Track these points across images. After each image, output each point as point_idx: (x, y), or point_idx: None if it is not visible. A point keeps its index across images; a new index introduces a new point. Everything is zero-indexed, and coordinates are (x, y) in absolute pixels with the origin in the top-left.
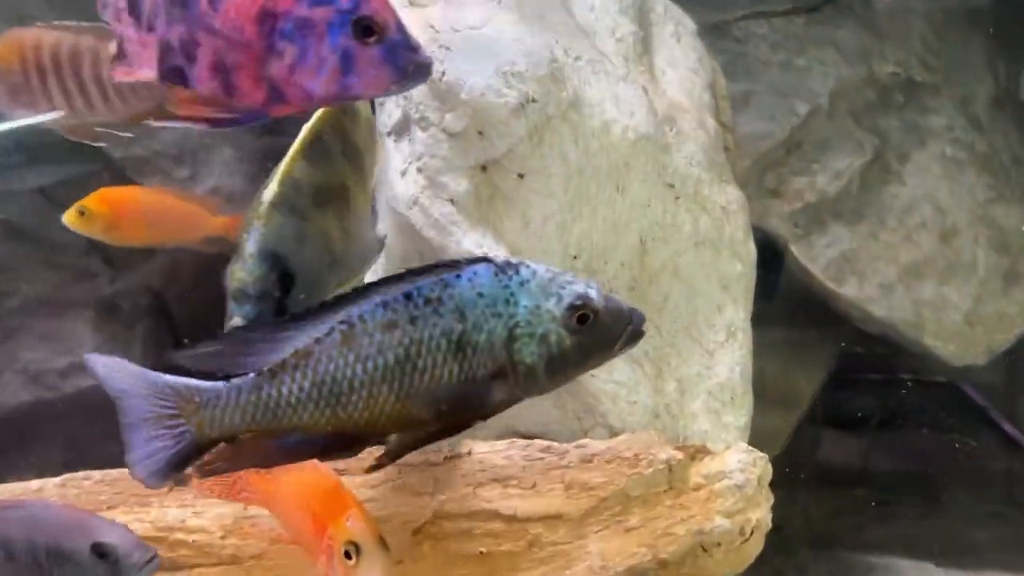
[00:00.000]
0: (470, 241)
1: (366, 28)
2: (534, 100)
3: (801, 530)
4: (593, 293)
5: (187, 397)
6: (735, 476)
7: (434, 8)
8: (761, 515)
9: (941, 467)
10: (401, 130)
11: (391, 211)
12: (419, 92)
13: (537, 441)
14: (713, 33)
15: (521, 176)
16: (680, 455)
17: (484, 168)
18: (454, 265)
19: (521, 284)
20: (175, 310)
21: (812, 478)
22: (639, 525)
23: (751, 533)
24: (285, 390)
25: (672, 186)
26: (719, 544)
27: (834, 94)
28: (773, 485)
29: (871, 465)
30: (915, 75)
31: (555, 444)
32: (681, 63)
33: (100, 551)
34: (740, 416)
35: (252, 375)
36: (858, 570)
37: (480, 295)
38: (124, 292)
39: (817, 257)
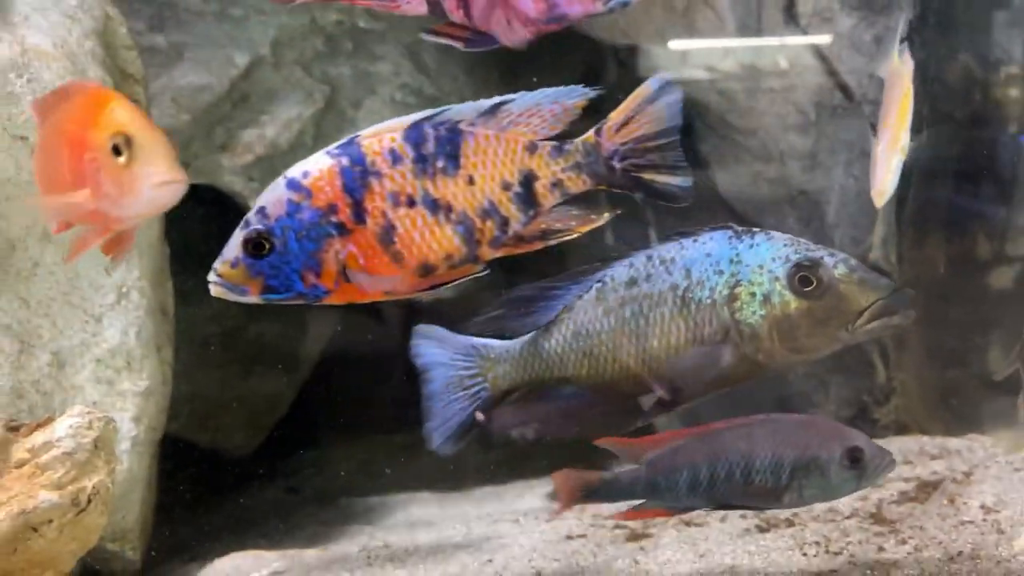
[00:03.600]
0: None
1: None
2: None
3: (324, 486)
4: (827, 259)
5: (485, 355)
6: (64, 443)
7: None
8: (99, 479)
9: None
10: None
11: None
12: None
13: None
14: None
15: None
16: None
17: None
18: (695, 231)
19: (751, 246)
20: None
21: (338, 434)
22: None
23: (88, 502)
24: (554, 341)
25: (26, 139)
26: (50, 521)
27: (277, 43)
28: (297, 446)
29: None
30: (360, 23)
31: None
32: (53, 8)
33: (853, 456)
34: (140, 381)
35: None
36: (369, 512)
37: (708, 254)
38: None
39: None
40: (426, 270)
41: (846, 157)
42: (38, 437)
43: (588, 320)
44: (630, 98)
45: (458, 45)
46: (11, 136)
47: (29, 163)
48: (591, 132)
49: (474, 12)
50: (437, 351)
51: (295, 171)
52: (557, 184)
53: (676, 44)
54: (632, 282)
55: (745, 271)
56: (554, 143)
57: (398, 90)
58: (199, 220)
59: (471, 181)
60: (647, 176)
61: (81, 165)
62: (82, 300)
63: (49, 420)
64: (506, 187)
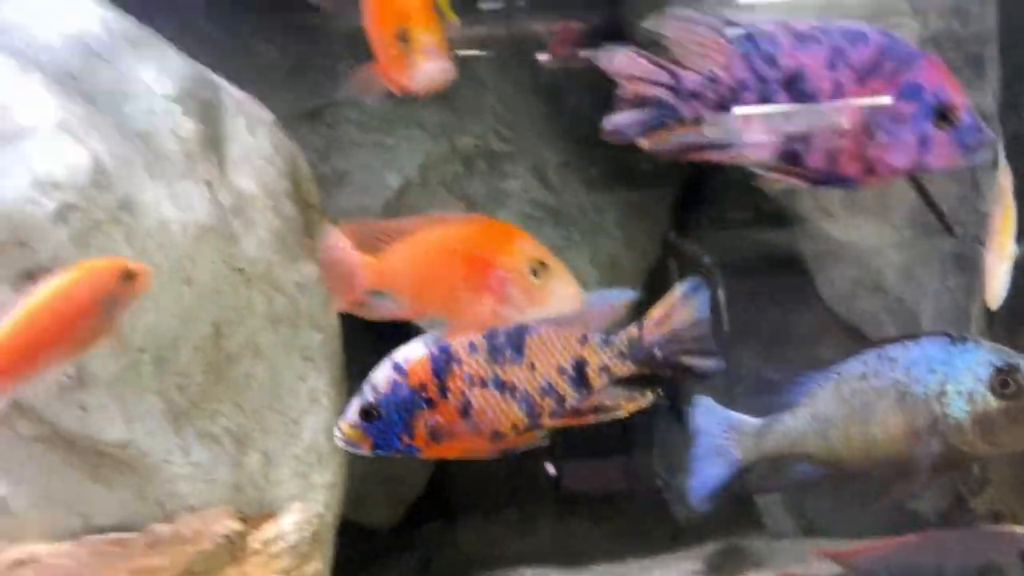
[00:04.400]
0: None
1: (943, 115)
2: (75, 207)
3: (454, 559)
4: None
5: (740, 428)
6: (290, 537)
7: None
8: (316, 567)
9: (580, 475)
10: None
11: None
12: None
13: (110, 535)
14: (306, 120)
15: None
16: (238, 526)
17: (31, 275)
18: (917, 335)
19: (963, 351)
20: None
21: (463, 509)
22: None
23: None
24: (797, 422)
25: (242, 271)
26: None
27: (423, 167)
28: (430, 520)
29: (521, 485)
30: (493, 145)
31: (125, 535)
32: (255, 154)
33: None
34: (328, 475)
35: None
36: None
37: (925, 356)
38: None
39: None
40: (497, 436)
41: (940, 269)
42: (269, 530)
43: (826, 407)
44: (667, 298)
45: (802, 184)
46: (230, 268)
47: (247, 291)
48: (633, 326)
49: (840, 166)
50: (705, 421)
51: (399, 356)
52: (605, 369)
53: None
54: (863, 376)
55: (954, 372)
56: (603, 336)
57: (526, 204)
58: (358, 329)
59: (532, 367)
60: (684, 360)
61: (485, 280)
62: (283, 406)
63: (272, 515)
64: (561, 372)
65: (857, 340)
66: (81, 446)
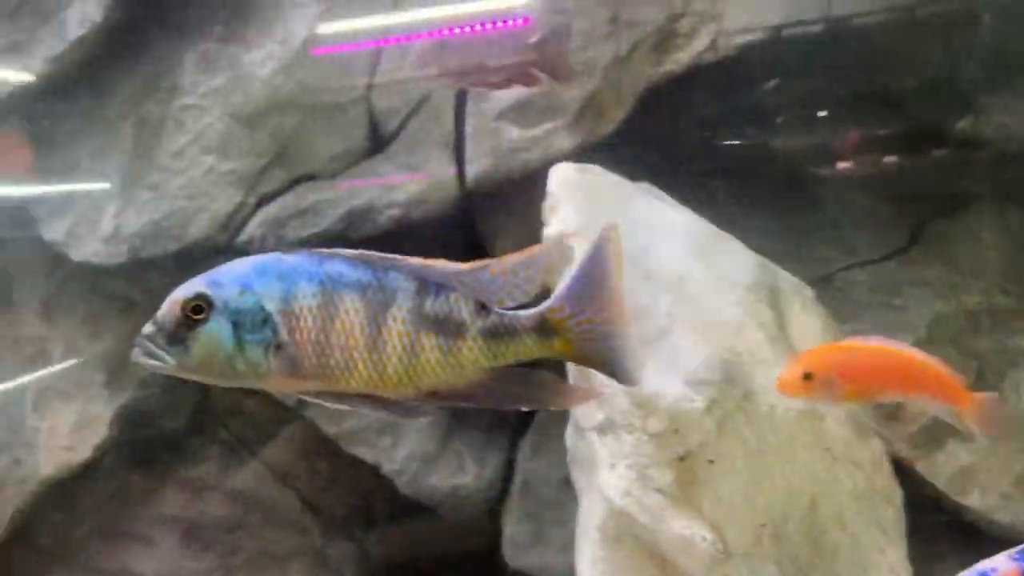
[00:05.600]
0: (679, 524)
1: None
2: (716, 400)
3: None
4: None
5: None
6: None
7: None
8: None
9: None
10: (605, 429)
11: (605, 499)
12: (622, 402)
13: None
14: (819, 285)
15: (711, 462)
16: None
17: (682, 459)
18: None
19: None
20: (374, 553)
21: None
22: None
23: None
24: None
25: (829, 449)
26: None
27: (932, 325)
28: None
29: None
30: (998, 301)
31: None
32: (810, 332)
33: None
34: None
35: None
36: None
37: None
38: (333, 543)
39: (939, 473)
40: None
41: None
42: None
43: None
44: None
45: None
46: (821, 448)
47: (833, 467)
48: None
49: None
50: None
51: (987, 564)
52: None
53: None
54: None
55: None
56: None
57: None
58: None
59: None
60: None
61: None
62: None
63: None
64: None
65: None
66: None
